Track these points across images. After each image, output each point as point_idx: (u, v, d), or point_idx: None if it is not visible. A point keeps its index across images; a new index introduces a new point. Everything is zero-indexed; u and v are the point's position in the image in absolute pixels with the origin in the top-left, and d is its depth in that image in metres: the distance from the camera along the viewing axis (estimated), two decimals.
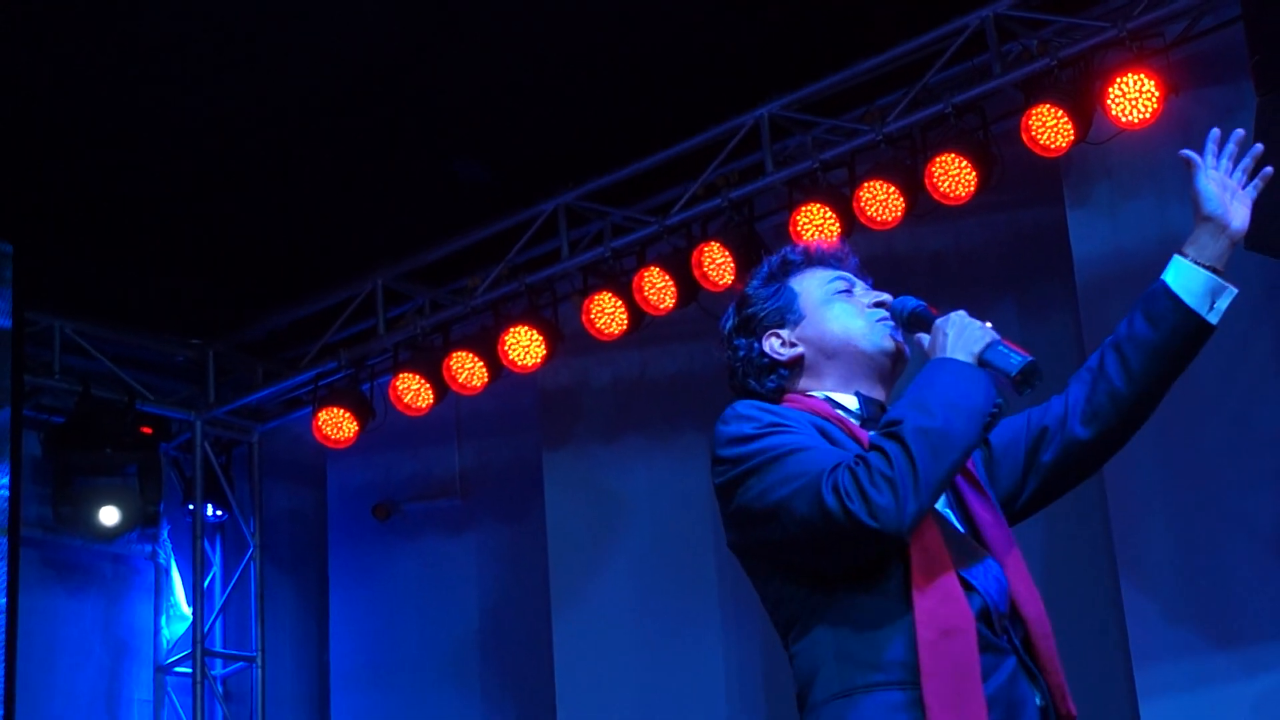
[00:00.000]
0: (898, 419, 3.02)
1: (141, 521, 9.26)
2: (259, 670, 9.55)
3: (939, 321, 3.25)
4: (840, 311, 3.33)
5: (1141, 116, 7.09)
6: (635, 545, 8.56)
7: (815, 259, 3.41)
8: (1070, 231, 7.50)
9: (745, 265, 7.89)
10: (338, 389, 9.02)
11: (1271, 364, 7.03)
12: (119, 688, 9.37)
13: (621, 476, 8.67)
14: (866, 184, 7.55)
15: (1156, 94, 7.05)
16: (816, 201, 7.63)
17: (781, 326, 3.33)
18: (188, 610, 9.55)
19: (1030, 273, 7.87)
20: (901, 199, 7.53)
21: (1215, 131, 3.41)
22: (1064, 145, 7.23)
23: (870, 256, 8.51)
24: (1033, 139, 7.22)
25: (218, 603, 9.68)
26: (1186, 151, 3.39)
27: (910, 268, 8.08)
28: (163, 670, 9.50)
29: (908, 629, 2.97)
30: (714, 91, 7.97)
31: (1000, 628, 3.06)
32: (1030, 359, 3.19)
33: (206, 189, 8.43)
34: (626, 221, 8.37)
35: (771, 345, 3.32)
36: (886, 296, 3.36)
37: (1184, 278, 3.33)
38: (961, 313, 3.25)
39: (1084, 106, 7.18)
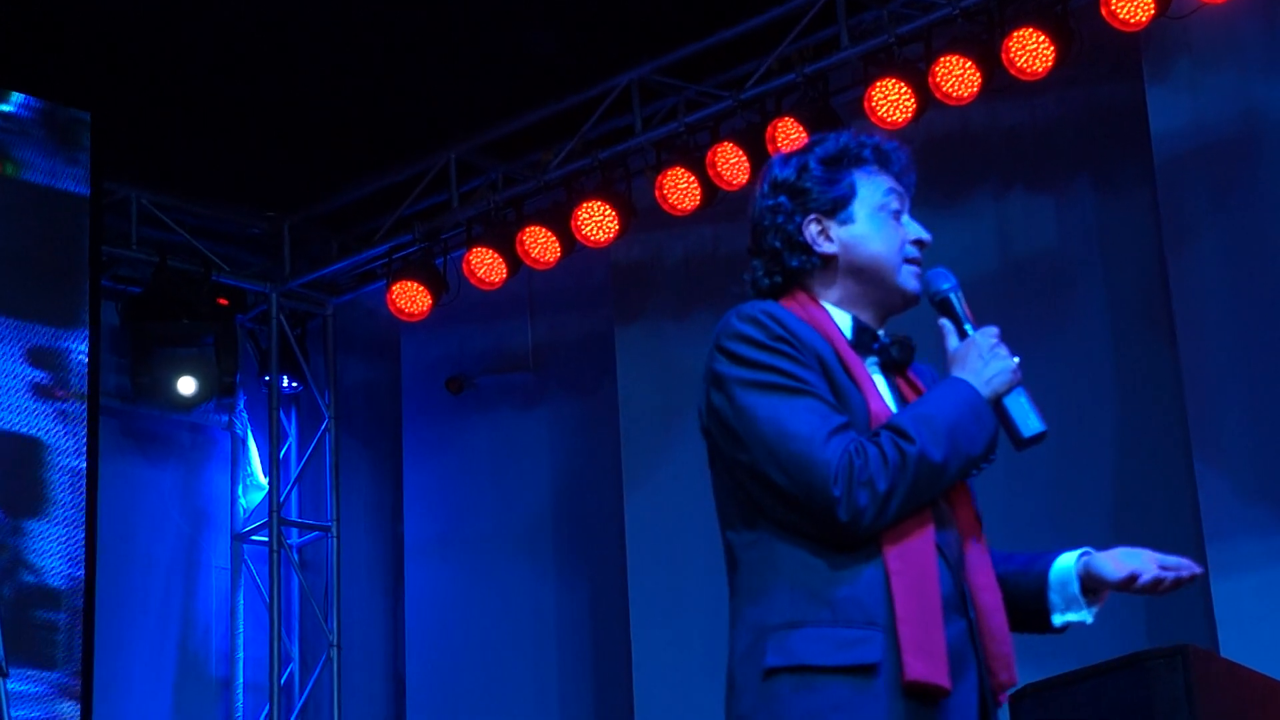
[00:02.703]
0: (909, 433, 3.00)
1: (219, 392, 9.34)
2: (334, 540, 9.67)
3: (974, 336, 3.17)
4: (884, 233, 3.24)
5: None
6: None
7: (883, 161, 3.28)
8: (1149, 108, 7.42)
9: None
10: (412, 262, 9.06)
11: None
12: (197, 555, 9.51)
13: (693, 351, 8.59)
14: (943, 59, 7.49)
15: None
16: (892, 76, 7.58)
17: (829, 217, 3.24)
18: (264, 480, 9.66)
19: (1108, 150, 7.80)
20: (978, 74, 7.46)
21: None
22: (1144, 19, 7.14)
23: (945, 133, 8.50)
24: (1112, 13, 7.14)
25: (293, 473, 9.79)
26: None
27: (986, 144, 8.02)
28: (240, 539, 9.63)
29: (875, 570, 2.99)
30: None
31: (959, 590, 3.08)
32: (1044, 430, 3.11)
33: (284, 61, 8.44)
34: (700, 96, 8.34)
35: (812, 232, 3.24)
36: (928, 238, 3.26)
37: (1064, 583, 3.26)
38: (995, 333, 3.17)
39: None
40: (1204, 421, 7.08)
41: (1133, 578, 3.17)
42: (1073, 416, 7.47)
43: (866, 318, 3.25)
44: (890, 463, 2.98)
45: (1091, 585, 3.23)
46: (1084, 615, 3.25)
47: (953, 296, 3.23)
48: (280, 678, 9.39)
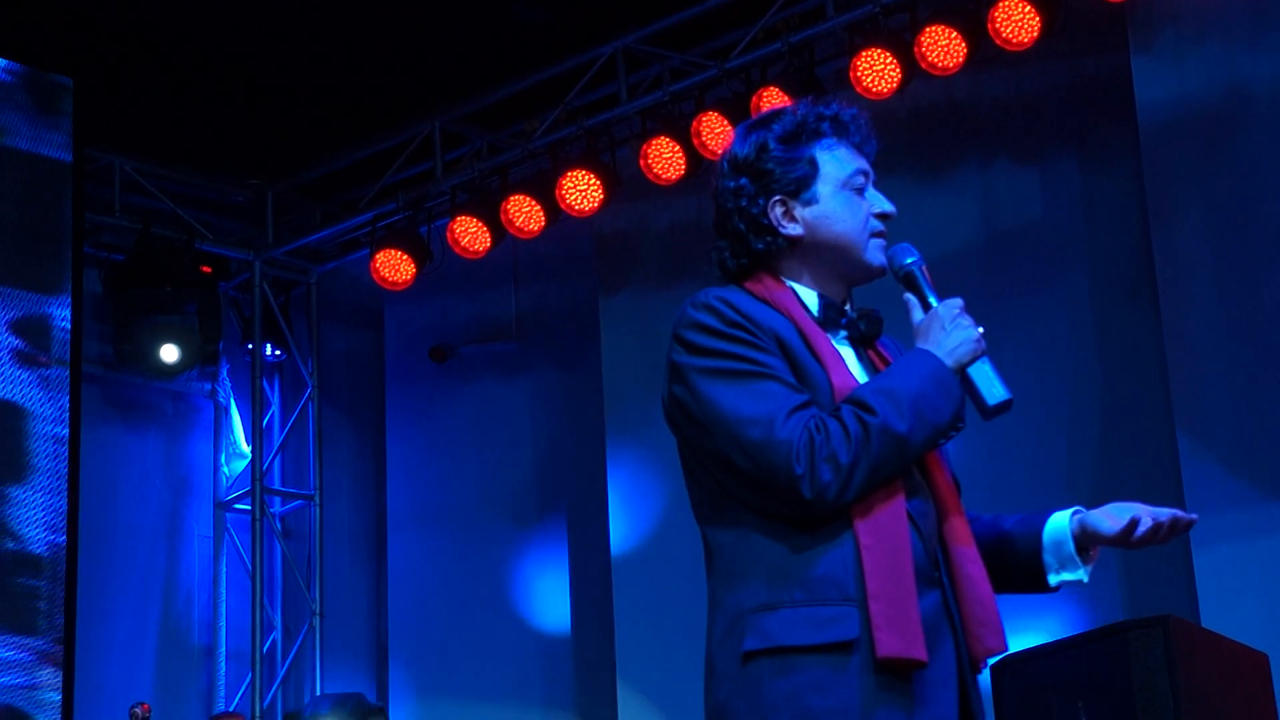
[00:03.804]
0: (871, 405, 3.00)
1: (201, 360, 9.34)
2: (317, 509, 9.68)
3: (937, 308, 3.16)
4: (849, 210, 3.21)
5: None
6: None
7: (842, 132, 3.26)
8: (1134, 79, 7.42)
9: None
10: (396, 231, 9.05)
11: None
12: (180, 523, 9.51)
13: None
14: (928, 29, 7.48)
15: None
16: (877, 46, 7.56)
17: (793, 198, 3.22)
18: (247, 448, 9.66)
19: (1092, 121, 7.79)
20: (963, 44, 7.45)
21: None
22: None
23: (930, 103, 8.47)
24: None
25: (276, 441, 9.79)
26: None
27: (971, 115, 8.01)
28: (222, 507, 9.63)
29: (846, 546, 2.98)
30: None
31: (932, 560, 3.08)
32: (1009, 397, 3.10)
33: (268, 28, 8.41)
34: (685, 65, 8.32)
35: (776, 214, 3.21)
36: (892, 210, 3.24)
37: (1058, 540, 3.24)
38: (959, 305, 3.16)
39: None
40: (1186, 393, 7.09)
41: (1133, 524, 3.15)
42: (1055, 388, 7.49)
43: (832, 292, 3.24)
44: (852, 436, 2.97)
45: (1085, 543, 3.22)
46: (1079, 574, 3.23)
47: (916, 270, 3.22)
48: (263, 646, 9.40)
